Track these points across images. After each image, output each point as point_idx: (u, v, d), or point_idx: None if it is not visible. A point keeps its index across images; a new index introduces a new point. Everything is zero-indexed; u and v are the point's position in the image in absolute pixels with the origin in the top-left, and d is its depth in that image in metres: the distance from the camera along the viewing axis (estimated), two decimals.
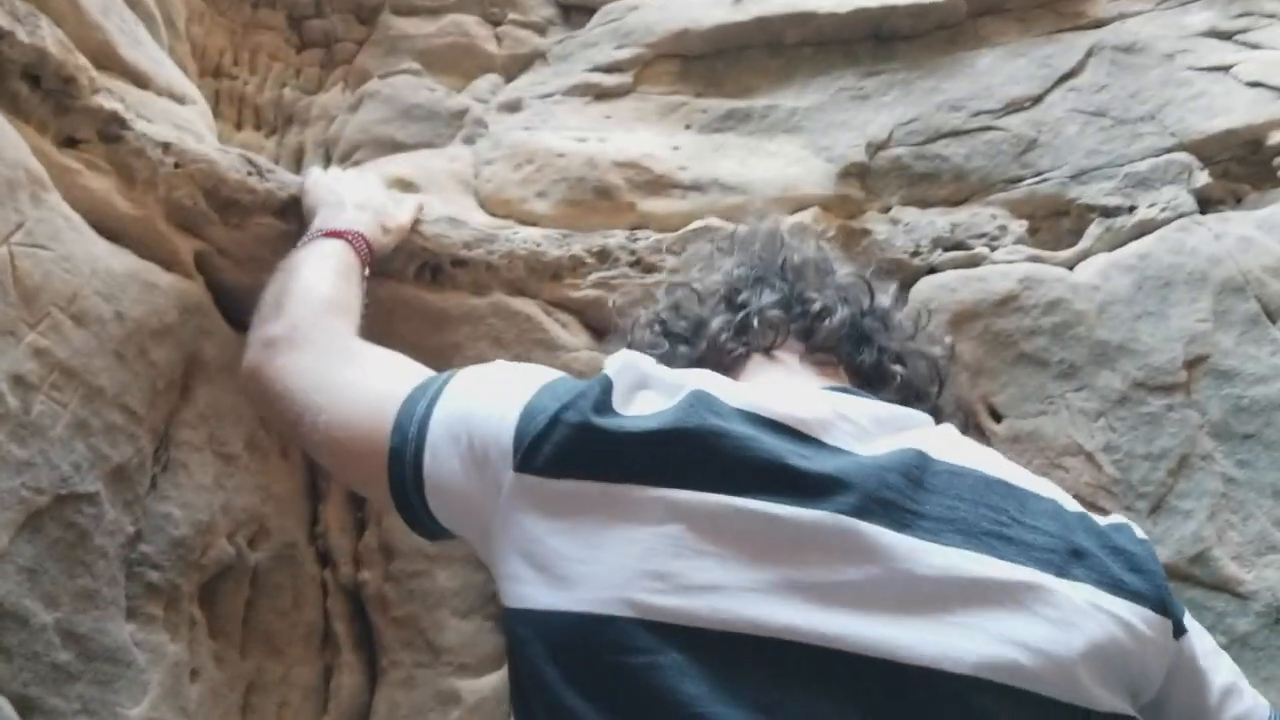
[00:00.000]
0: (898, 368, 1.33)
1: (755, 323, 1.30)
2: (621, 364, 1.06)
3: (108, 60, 1.48)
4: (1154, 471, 1.66)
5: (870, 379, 1.31)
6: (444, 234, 1.71)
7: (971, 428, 1.64)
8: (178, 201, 1.46)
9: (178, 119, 1.56)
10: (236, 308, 1.58)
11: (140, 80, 1.54)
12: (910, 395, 1.31)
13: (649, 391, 1.04)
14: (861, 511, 0.95)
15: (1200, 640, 1.11)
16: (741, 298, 1.34)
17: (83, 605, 1.26)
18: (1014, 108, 2.01)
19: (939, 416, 1.24)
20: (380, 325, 1.55)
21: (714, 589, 0.92)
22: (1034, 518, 1.03)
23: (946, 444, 1.09)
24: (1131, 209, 1.86)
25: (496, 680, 1.62)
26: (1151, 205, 1.85)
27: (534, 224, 1.91)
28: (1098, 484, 1.65)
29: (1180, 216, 1.82)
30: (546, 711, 0.95)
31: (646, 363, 1.08)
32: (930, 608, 0.93)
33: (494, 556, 1.03)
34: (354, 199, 1.58)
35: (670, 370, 1.08)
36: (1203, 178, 1.87)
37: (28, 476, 1.20)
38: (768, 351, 1.31)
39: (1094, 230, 1.87)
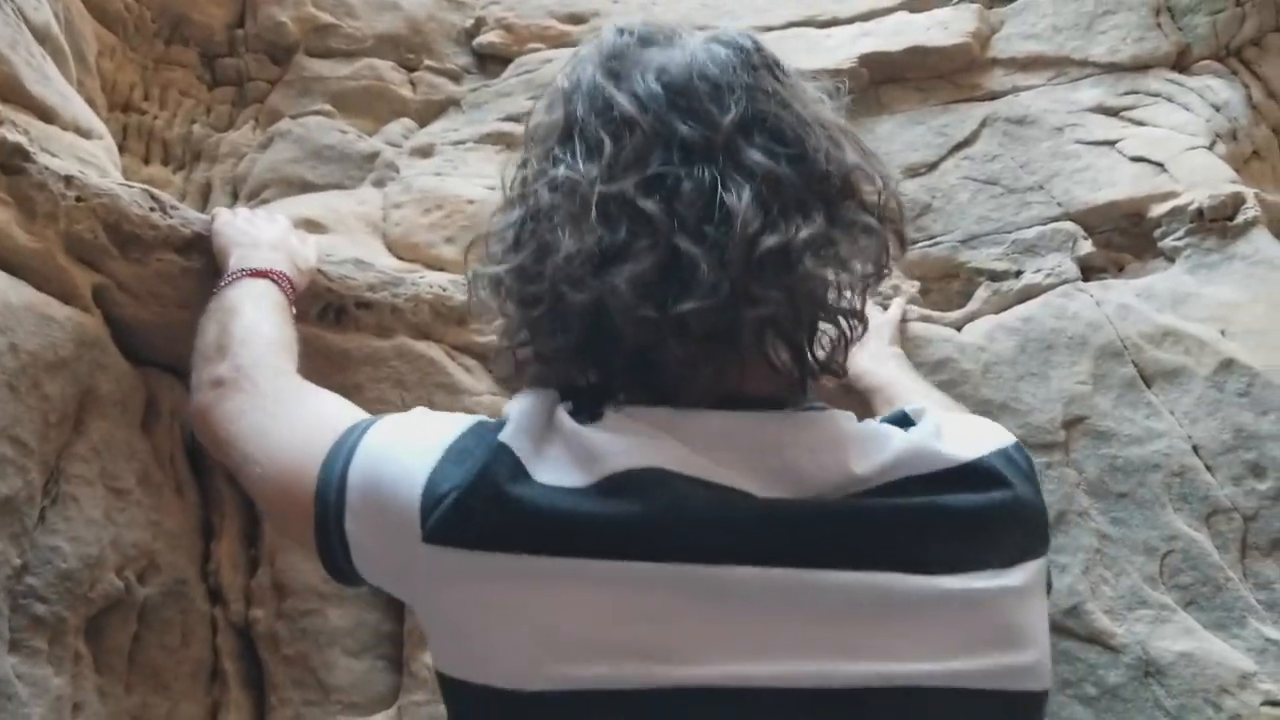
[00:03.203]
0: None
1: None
2: (518, 424, 0.98)
3: (13, 94, 1.48)
4: None
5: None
6: (350, 276, 1.73)
7: None
8: (78, 235, 1.45)
9: (83, 153, 1.56)
10: (134, 343, 1.58)
11: (46, 114, 1.54)
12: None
13: (558, 449, 0.96)
14: (796, 560, 0.91)
15: None
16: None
17: None
18: (911, 173, 2.09)
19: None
20: None
21: (648, 653, 0.88)
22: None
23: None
24: (1018, 274, 1.94)
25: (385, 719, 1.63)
26: (1037, 271, 1.93)
27: (441, 269, 1.94)
28: None
29: (1064, 283, 1.91)
30: None
31: (550, 414, 1.00)
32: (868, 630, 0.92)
33: (420, 617, 1.02)
34: (268, 240, 1.59)
35: (582, 431, 0.97)
36: (1086, 246, 1.95)
37: None
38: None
39: (982, 293, 1.95)
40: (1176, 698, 1.58)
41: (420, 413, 1.11)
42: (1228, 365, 1.73)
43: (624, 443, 0.95)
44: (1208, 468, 1.69)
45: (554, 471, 0.94)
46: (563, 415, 0.98)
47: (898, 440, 1.01)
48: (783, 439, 0.99)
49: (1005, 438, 1.08)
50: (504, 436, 0.96)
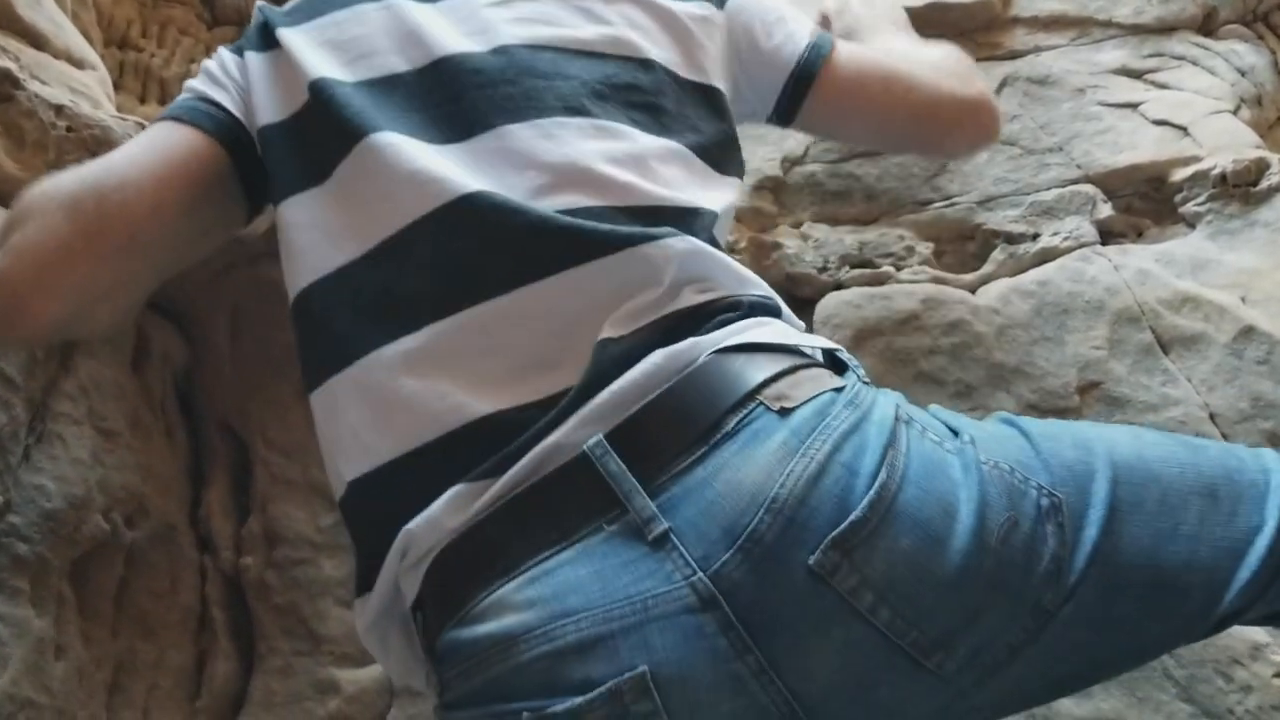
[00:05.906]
0: None
1: None
2: None
3: (3, 18, 1.44)
4: None
5: None
6: None
7: None
8: (68, 166, 1.41)
9: (74, 83, 1.51)
10: None
11: (37, 41, 1.49)
12: None
13: None
14: None
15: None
16: None
17: None
18: None
19: None
20: (283, 322, 1.53)
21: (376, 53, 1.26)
22: None
23: None
24: (1035, 236, 1.89)
25: (377, 671, 1.58)
26: (1054, 234, 1.88)
27: None
28: None
29: (1082, 246, 1.86)
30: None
31: None
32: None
33: None
34: None
35: None
36: (1105, 210, 1.90)
37: None
38: None
39: (998, 255, 1.90)
40: (1186, 668, 1.55)
41: None
42: (1247, 333, 1.69)
43: None
44: (1224, 436, 1.65)
45: None
46: None
47: None
48: None
49: None
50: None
